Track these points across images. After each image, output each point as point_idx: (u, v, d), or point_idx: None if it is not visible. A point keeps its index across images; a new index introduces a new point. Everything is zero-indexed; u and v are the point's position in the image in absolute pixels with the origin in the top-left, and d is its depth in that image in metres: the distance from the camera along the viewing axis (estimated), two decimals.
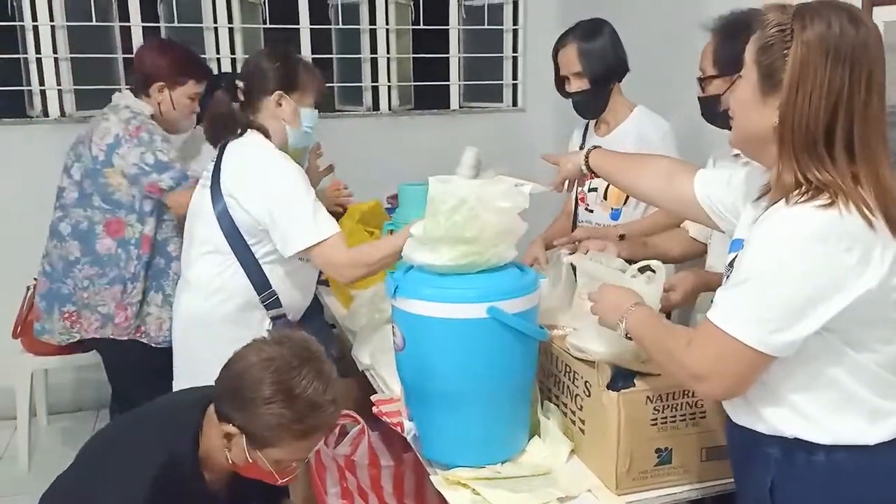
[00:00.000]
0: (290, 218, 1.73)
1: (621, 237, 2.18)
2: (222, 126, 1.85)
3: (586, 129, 2.37)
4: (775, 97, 1.07)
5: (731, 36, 1.67)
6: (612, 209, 2.26)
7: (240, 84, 1.86)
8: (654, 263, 1.40)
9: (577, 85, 2.20)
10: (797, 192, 1.06)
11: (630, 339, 1.26)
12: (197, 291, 1.87)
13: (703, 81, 1.74)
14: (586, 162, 1.61)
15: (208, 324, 1.83)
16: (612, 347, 1.35)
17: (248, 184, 1.77)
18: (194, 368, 1.76)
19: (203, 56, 3.31)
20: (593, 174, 1.64)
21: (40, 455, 2.94)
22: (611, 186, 2.23)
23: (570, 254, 1.84)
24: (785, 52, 1.05)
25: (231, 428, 1.26)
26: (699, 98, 1.78)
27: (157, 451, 1.28)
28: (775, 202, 1.08)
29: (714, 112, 1.74)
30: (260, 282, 1.80)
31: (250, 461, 1.27)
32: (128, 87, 2.44)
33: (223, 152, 1.86)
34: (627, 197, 2.21)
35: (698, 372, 1.12)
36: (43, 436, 3.05)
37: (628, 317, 1.26)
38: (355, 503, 1.84)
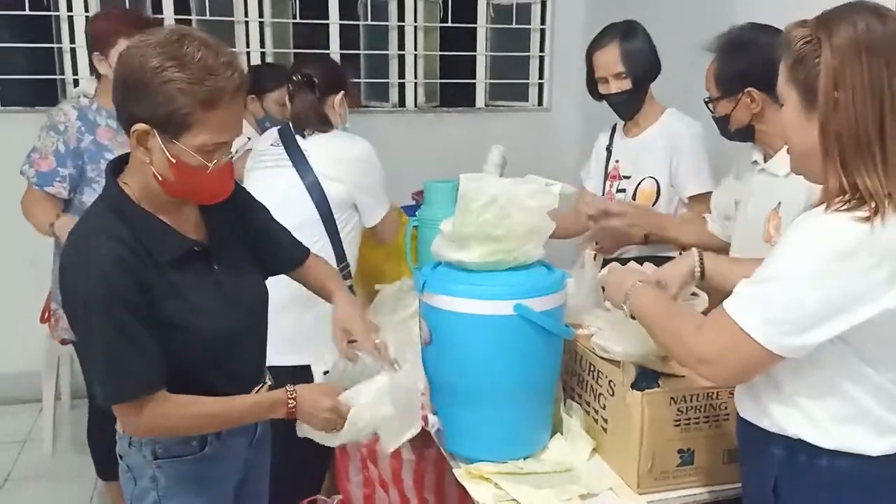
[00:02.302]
0: (375, 194, 2.12)
1: (646, 237, 2.20)
2: (315, 120, 2.08)
3: (613, 130, 2.37)
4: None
5: (730, 55, 1.70)
6: None
7: (315, 80, 2.09)
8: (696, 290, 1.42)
9: (617, 86, 2.19)
10: (839, 199, 1.05)
11: (634, 318, 1.28)
12: None
13: (710, 103, 1.75)
14: (701, 268, 1.49)
15: (294, 294, 1.85)
16: (637, 348, 1.36)
17: (350, 168, 2.07)
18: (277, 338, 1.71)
19: (233, 49, 3.36)
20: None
21: (64, 438, 3.01)
22: (640, 187, 2.24)
23: (595, 254, 1.86)
24: (817, 61, 1.05)
25: (140, 126, 1.16)
26: (713, 118, 1.79)
27: (92, 223, 1.22)
28: (816, 206, 1.09)
29: (726, 131, 1.76)
30: (340, 254, 2.05)
31: (173, 161, 1.17)
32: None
33: (292, 138, 2.06)
34: (657, 198, 2.21)
35: (704, 356, 1.14)
36: (67, 419, 3.11)
37: (632, 294, 1.28)
38: (376, 493, 1.86)
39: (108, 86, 2.12)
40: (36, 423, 3.07)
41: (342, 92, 2.14)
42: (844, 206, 1.04)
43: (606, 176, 2.34)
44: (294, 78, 2.11)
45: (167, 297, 1.21)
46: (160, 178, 1.20)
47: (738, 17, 2.47)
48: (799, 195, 1.56)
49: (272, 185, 2.01)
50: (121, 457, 1.35)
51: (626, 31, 2.20)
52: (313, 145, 2.08)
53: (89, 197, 2.14)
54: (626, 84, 2.18)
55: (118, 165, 1.27)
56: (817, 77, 1.05)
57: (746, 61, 1.68)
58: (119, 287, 1.16)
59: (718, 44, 1.73)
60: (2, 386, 3.21)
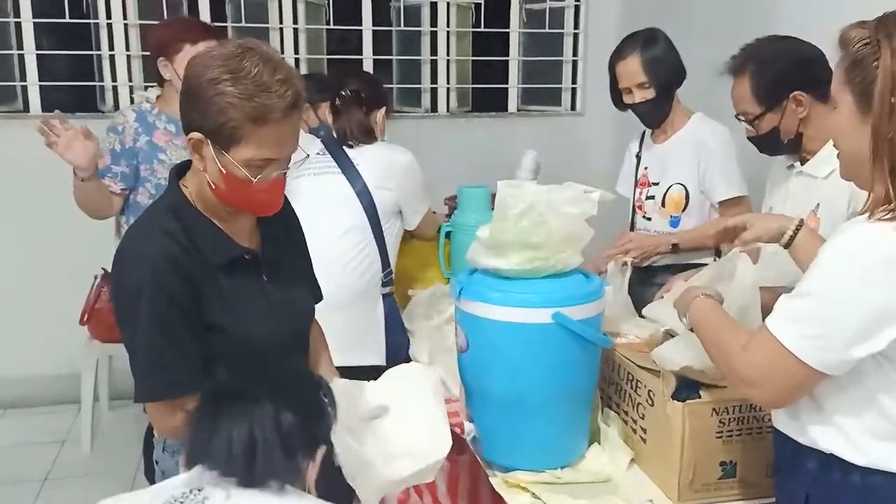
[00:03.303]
0: (419, 198, 2.22)
1: (674, 246, 2.17)
2: (362, 134, 2.14)
3: (643, 137, 2.35)
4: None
5: (764, 66, 1.66)
6: (671, 216, 2.24)
7: (363, 95, 2.16)
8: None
9: (640, 95, 2.18)
10: (884, 207, 1.03)
11: (692, 330, 1.26)
12: (336, 268, 2.00)
13: (754, 122, 1.70)
14: (793, 234, 1.38)
15: (346, 299, 1.98)
16: (702, 361, 1.32)
17: (399, 178, 2.14)
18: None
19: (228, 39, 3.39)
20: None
21: (102, 439, 3.06)
22: (668, 194, 2.22)
23: (624, 264, 1.84)
24: (875, 63, 1.03)
25: (195, 134, 1.19)
26: (752, 138, 1.75)
27: (150, 220, 1.25)
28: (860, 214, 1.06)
29: (777, 145, 1.71)
30: (385, 260, 2.11)
31: (223, 171, 1.19)
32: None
33: (338, 147, 2.12)
34: (686, 204, 2.19)
35: (749, 378, 1.12)
36: (105, 420, 3.16)
37: (692, 306, 1.26)
38: (410, 498, 1.86)
39: (171, 91, 2.21)
40: (75, 424, 3.13)
41: (384, 108, 2.22)
42: (889, 216, 1.01)
43: (636, 183, 2.32)
44: (342, 93, 2.15)
45: (214, 300, 1.23)
46: (213, 186, 1.23)
47: (776, 22, 2.44)
48: (840, 197, 1.53)
49: (322, 190, 2.06)
50: (156, 462, 1.35)
51: (648, 40, 2.18)
52: (361, 155, 2.13)
53: (142, 197, 2.21)
54: (650, 93, 2.17)
55: (183, 169, 1.30)
56: (874, 80, 1.02)
57: (784, 66, 1.65)
58: (168, 282, 1.18)
59: (739, 63, 1.69)
60: (42, 387, 3.28)
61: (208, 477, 0.95)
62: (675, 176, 2.20)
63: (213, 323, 1.22)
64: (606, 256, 2.09)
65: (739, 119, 1.76)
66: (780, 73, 1.65)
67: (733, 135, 2.16)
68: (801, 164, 1.71)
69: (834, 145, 1.15)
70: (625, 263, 1.85)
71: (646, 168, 2.30)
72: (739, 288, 1.33)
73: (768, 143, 1.73)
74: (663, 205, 2.23)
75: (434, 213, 2.40)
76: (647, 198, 2.28)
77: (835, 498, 1.12)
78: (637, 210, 2.33)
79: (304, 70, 3.46)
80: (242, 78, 1.15)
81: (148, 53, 2.76)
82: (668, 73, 2.16)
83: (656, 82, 2.15)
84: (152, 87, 2.39)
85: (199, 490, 0.94)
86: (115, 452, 2.89)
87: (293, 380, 1.08)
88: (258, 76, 1.15)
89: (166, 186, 1.32)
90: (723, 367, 1.20)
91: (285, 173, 1.26)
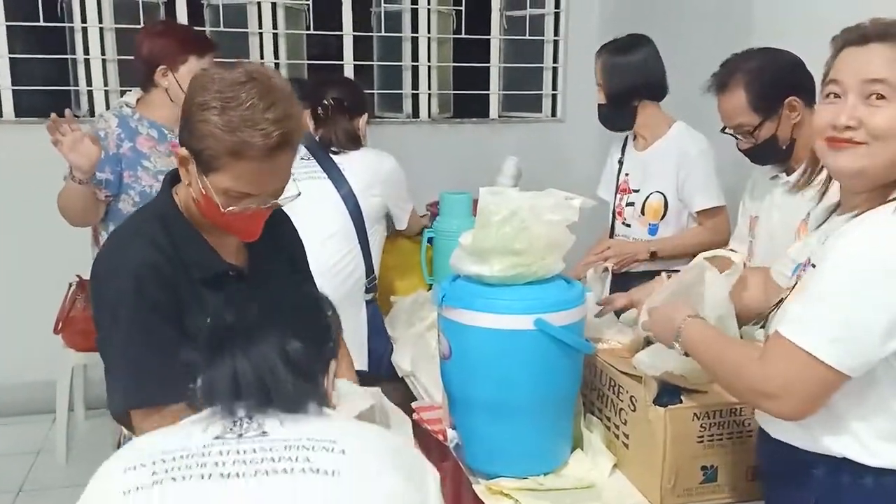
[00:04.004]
0: (405, 200, 2.29)
1: (652, 254, 2.19)
2: (347, 141, 2.17)
3: (625, 143, 2.37)
4: None
5: (757, 76, 1.68)
6: (649, 224, 2.25)
7: (346, 103, 2.19)
8: (734, 256, 1.39)
9: (600, 97, 2.23)
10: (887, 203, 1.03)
11: (687, 355, 1.25)
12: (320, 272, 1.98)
13: (754, 132, 1.70)
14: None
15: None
16: (686, 364, 1.32)
17: (385, 183, 2.19)
18: None
19: (247, 60, 3.38)
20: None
21: (77, 448, 3.00)
22: (647, 201, 2.23)
23: (605, 270, 1.85)
24: None
25: (183, 150, 1.18)
26: (749, 150, 1.75)
27: (135, 226, 1.23)
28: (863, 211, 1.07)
29: (774, 153, 1.72)
30: (370, 266, 2.15)
31: (203, 192, 1.18)
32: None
33: (323, 152, 2.14)
34: (665, 212, 2.20)
35: (771, 390, 1.08)
36: (80, 430, 3.11)
37: (684, 329, 1.23)
38: None
39: (160, 98, 2.20)
40: (49, 434, 3.07)
41: (366, 113, 2.26)
42: None
43: (617, 189, 2.34)
44: (325, 102, 2.16)
45: (198, 314, 1.21)
46: (195, 202, 1.22)
47: (752, 29, 2.48)
48: (832, 202, 1.54)
49: (308, 195, 2.02)
50: None
51: (621, 46, 2.21)
52: (346, 160, 2.16)
53: (125, 204, 2.17)
54: (602, 98, 2.21)
55: (177, 176, 1.28)
56: None
57: (776, 72, 1.66)
58: (150, 291, 1.16)
59: (726, 77, 1.70)
60: (16, 396, 3.21)
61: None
62: (655, 184, 2.22)
63: (195, 338, 1.21)
64: (585, 263, 2.10)
65: (728, 133, 1.75)
66: (774, 80, 1.66)
67: (712, 145, 2.19)
68: (787, 175, 1.73)
69: (866, 139, 1.07)
70: (605, 269, 1.86)
71: (626, 174, 2.31)
72: (714, 300, 1.33)
73: (766, 153, 1.73)
74: (643, 212, 2.25)
75: (424, 220, 2.47)
76: (627, 204, 2.29)
77: (845, 502, 1.11)
78: (617, 216, 2.34)
79: (283, 75, 3.44)
80: (232, 108, 1.13)
81: (129, 57, 2.73)
82: (622, 83, 2.16)
83: (606, 89, 2.19)
84: (129, 90, 2.36)
85: (250, 418, 0.91)
86: (91, 463, 2.72)
87: (297, 305, 1.05)
88: (249, 109, 1.13)
89: (158, 192, 1.30)
90: (735, 384, 1.16)
91: (269, 206, 1.23)
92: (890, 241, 1.02)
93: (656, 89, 2.21)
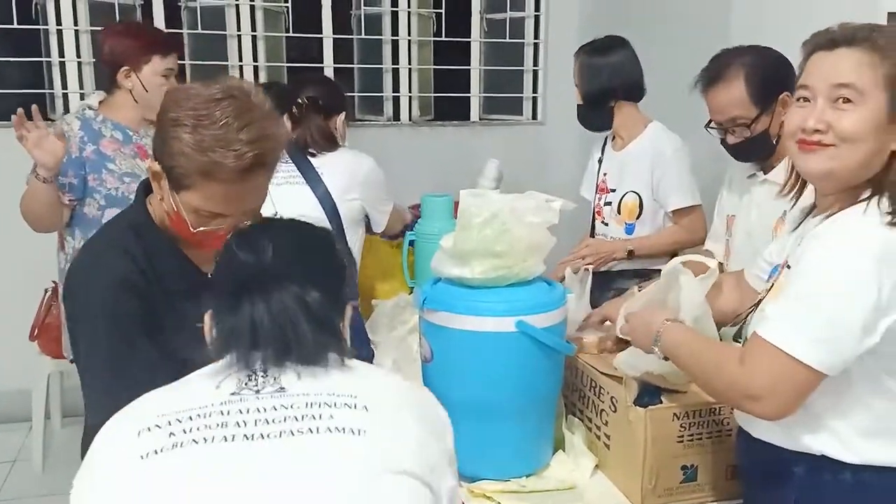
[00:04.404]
0: (383, 201, 2.24)
1: (629, 252, 2.20)
2: (324, 142, 2.13)
3: (605, 143, 2.39)
4: None
5: (758, 70, 1.67)
6: (625, 223, 2.27)
7: (321, 102, 2.14)
8: (709, 261, 1.40)
9: (578, 97, 2.26)
10: (859, 203, 1.05)
11: (667, 359, 1.25)
12: None
13: (751, 125, 1.68)
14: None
15: None
16: (665, 365, 1.33)
17: (363, 185, 2.15)
18: None
19: (225, 63, 3.36)
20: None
21: (54, 457, 2.95)
22: (623, 201, 2.25)
23: (585, 270, 1.85)
24: None
25: (155, 165, 1.15)
26: (736, 144, 1.72)
27: (109, 237, 1.21)
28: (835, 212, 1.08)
29: (764, 148, 1.70)
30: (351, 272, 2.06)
31: (175, 208, 1.15)
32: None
33: (301, 156, 2.10)
34: (640, 212, 2.22)
35: (754, 391, 1.09)
36: (57, 438, 3.06)
37: (662, 334, 1.24)
38: None
39: (123, 99, 2.15)
40: (26, 443, 3.02)
41: (344, 112, 2.21)
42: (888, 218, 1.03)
43: (596, 188, 2.35)
44: (299, 101, 2.13)
45: (174, 326, 1.17)
46: (168, 216, 1.20)
47: (729, 31, 2.50)
48: (808, 203, 1.55)
49: (284, 200, 2.01)
50: None
51: (597, 48, 2.23)
52: (325, 163, 2.12)
53: (90, 209, 2.12)
54: (579, 98, 2.23)
55: (150, 186, 1.26)
56: None
57: (772, 66, 1.66)
58: (124, 304, 1.14)
59: (721, 69, 1.68)
60: None
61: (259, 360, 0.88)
62: (630, 184, 2.24)
63: (172, 350, 1.18)
64: (562, 263, 2.12)
65: (714, 128, 1.73)
66: (772, 74, 1.65)
67: (687, 144, 2.21)
68: (765, 173, 1.74)
69: (834, 141, 1.09)
70: (585, 269, 1.87)
71: (605, 174, 2.33)
72: (690, 302, 1.34)
73: (755, 148, 1.71)
74: (619, 212, 2.27)
75: (408, 215, 2.45)
76: (605, 203, 2.32)
77: (824, 498, 1.13)
78: (596, 215, 2.36)
79: (263, 78, 3.42)
80: (204, 127, 1.09)
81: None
82: (597, 83, 2.19)
83: (582, 89, 2.23)
84: (94, 93, 2.33)
85: (265, 371, 0.87)
86: (68, 471, 2.72)
87: (311, 246, 1.00)
88: (222, 129, 1.09)
89: (132, 202, 1.28)
90: (716, 386, 1.17)
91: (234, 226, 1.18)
92: (861, 241, 1.04)
93: (633, 90, 2.23)
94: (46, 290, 2.73)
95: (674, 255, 2.05)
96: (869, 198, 1.07)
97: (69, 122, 2.15)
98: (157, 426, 0.82)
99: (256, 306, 0.88)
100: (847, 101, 1.07)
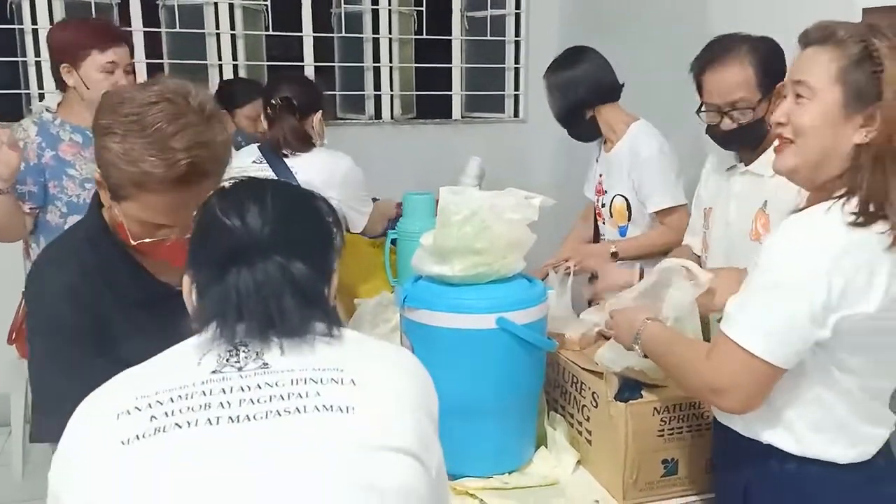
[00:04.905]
0: (362, 201, 2.23)
1: (613, 254, 2.20)
2: (297, 142, 2.10)
3: (602, 143, 2.37)
4: (861, 115, 1.06)
5: (765, 55, 1.64)
6: (619, 226, 2.28)
7: (295, 102, 2.10)
8: (694, 269, 1.40)
9: (555, 117, 2.27)
10: (828, 202, 1.07)
11: (647, 357, 1.27)
12: None
13: (755, 109, 1.64)
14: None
15: None
16: (645, 360, 1.34)
17: (340, 185, 2.12)
18: None
19: (204, 62, 3.33)
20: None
21: (34, 463, 2.91)
22: (614, 203, 2.26)
23: (567, 270, 1.85)
24: (874, 70, 1.04)
25: (97, 174, 1.10)
26: (732, 130, 1.67)
27: (62, 248, 1.17)
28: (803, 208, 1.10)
29: (756, 136, 1.66)
30: None
31: (119, 218, 1.11)
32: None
33: (275, 155, 2.08)
34: (630, 214, 2.22)
35: (717, 386, 1.12)
36: (37, 444, 3.02)
37: (643, 332, 1.26)
38: None
39: (75, 98, 2.06)
40: (5, 448, 2.98)
41: (320, 111, 2.18)
42: (860, 219, 1.04)
43: (595, 190, 2.36)
44: (273, 102, 2.10)
45: (130, 337, 1.13)
46: (118, 225, 1.16)
47: (709, 29, 2.52)
48: (788, 193, 1.55)
49: None
50: None
51: (557, 65, 2.23)
52: (299, 163, 2.09)
53: (52, 216, 2.06)
54: (556, 117, 2.25)
55: None
56: (873, 84, 1.04)
57: (776, 54, 1.64)
58: (67, 320, 1.09)
59: (725, 50, 1.64)
60: None
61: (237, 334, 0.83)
62: (616, 187, 2.24)
63: (126, 360, 1.15)
64: (545, 266, 2.10)
65: (707, 111, 1.68)
66: (775, 61, 1.63)
67: (670, 143, 2.20)
68: (747, 165, 1.74)
69: (792, 136, 1.12)
70: (567, 269, 1.87)
71: (600, 175, 2.33)
72: (675, 302, 1.35)
73: (749, 135, 1.66)
74: (611, 214, 2.27)
75: (393, 210, 2.42)
76: (602, 205, 2.32)
77: (772, 487, 1.16)
78: (597, 216, 2.36)
79: (242, 75, 3.40)
80: (134, 135, 1.03)
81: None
82: (565, 99, 2.20)
83: (553, 108, 2.24)
84: (50, 95, 2.26)
85: (246, 346, 0.83)
86: (47, 476, 2.76)
87: (299, 212, 0.94)
88: (153, 135, 1.03)
89: (86, 211, 1.22)
90: (688, 381, 1.20)
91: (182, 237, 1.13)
92: (820, 239, 1.06)
93: (606, 92, 2.20)
94: (23, 293, 2.70)
95: (666, 255, 2.06)
96: (839, 196, 1.08)
97: (25, 128, 2.05)
98: (137, 409, 0.78)
99: (242, 275, 0.84)
100: (800, 96, 1.11)
